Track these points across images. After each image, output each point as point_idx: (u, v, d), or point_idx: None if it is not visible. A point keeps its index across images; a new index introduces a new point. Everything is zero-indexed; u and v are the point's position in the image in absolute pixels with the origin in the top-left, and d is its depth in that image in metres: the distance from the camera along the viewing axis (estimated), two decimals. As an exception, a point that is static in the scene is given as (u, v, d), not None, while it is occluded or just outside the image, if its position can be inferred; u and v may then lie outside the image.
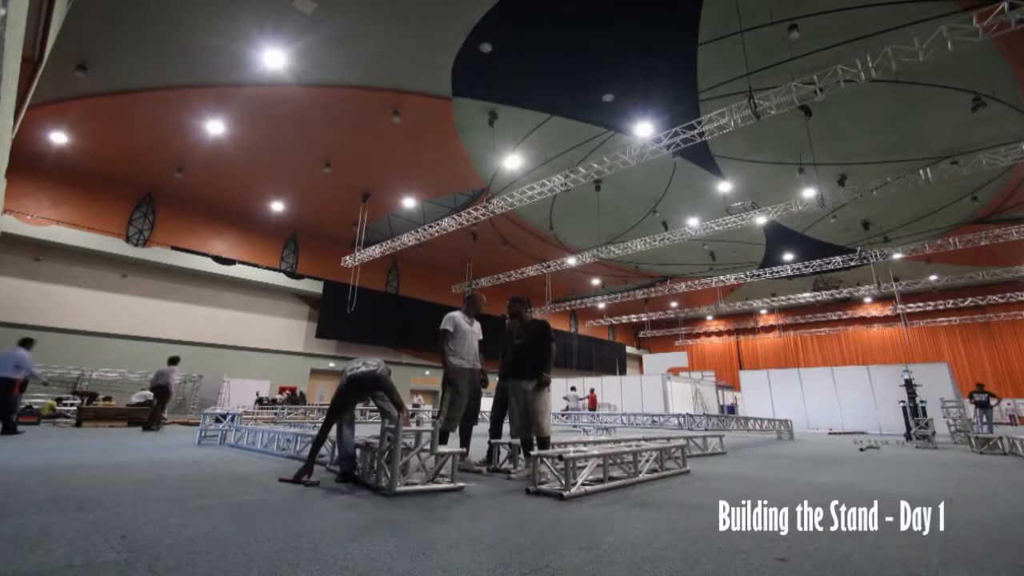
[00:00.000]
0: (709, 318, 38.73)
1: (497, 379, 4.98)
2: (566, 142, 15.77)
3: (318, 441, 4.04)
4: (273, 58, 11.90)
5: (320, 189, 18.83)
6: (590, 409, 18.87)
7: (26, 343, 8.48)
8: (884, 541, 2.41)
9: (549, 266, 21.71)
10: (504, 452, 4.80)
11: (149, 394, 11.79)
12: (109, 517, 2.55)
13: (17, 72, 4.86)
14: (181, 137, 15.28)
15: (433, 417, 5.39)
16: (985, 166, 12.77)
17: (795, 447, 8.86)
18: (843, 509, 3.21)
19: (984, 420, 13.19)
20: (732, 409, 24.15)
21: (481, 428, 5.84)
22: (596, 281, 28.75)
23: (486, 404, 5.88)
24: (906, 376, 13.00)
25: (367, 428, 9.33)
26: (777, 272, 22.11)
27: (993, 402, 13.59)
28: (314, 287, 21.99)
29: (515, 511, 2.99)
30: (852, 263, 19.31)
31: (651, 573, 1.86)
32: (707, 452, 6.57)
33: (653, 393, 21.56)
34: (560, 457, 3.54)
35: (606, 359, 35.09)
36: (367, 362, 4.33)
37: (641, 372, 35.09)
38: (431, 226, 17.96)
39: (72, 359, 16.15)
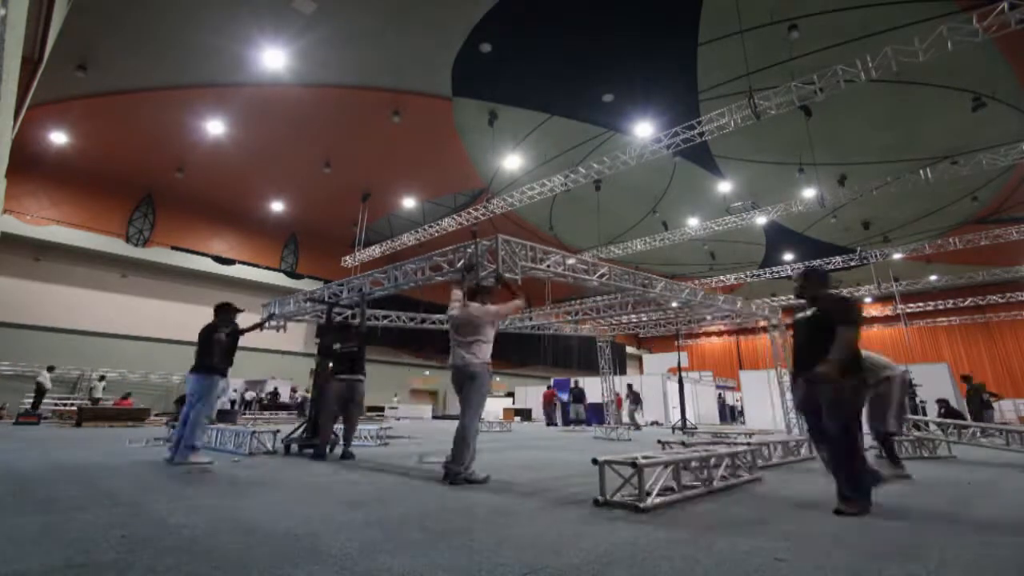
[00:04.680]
0: (709, 318, 38.66)
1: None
2: (566, 142, 15.78)
3: None
4: (273, 58, 11.91)
5: (320, 189, 18.84)
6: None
7: None
8: (884, 540, 2.41)
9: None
10: None
11: None
12: (109, 517, 2.55)
13: (17, 72, 4.86)
14: (181, 137, 15.29)
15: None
16: (985, 166, 12.77)
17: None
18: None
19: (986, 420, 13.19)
20: (734, 411, 23.90)
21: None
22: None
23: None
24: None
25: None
26: (777, 272, 22.11)
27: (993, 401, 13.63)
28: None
29: (510, 511, 2.99)
30: (852, 263, 19.31)
31: (651, 573, 1.86)
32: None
33: (653, 393, 21.58)
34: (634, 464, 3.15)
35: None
36: None
37: (641, 372, 35.08)
38: (431, 226, 17.96)
39: (72, 359, 16.16)
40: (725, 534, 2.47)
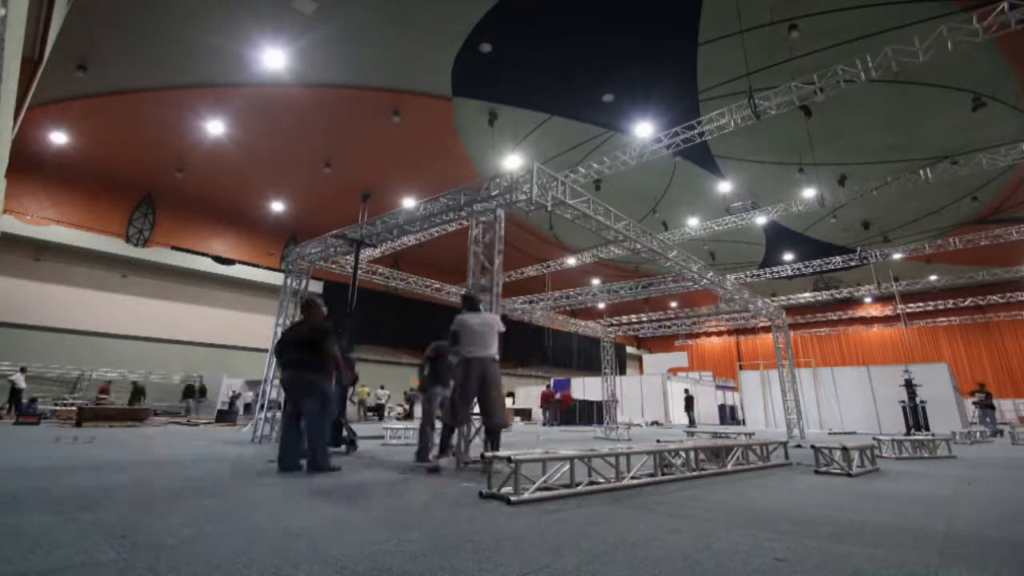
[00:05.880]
0: (709, 318, 38.71)
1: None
2: (566, 142, 15.78)
3: None
4: (273, 58, 11.90)
5: (320, 189, 18.84)
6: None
7: None
8: (884, 540, 2.41)
9: (549, 266, 21.70)
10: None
11: None
12: (109, 517, 2.55)
13: (17, 72, 4.86)
14: (181, 137, 15.29)
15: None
16: (985, 166, 12.76)
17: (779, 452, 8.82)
18: (844, 508, 3.21)
19: (988, 420, 13.27)
20: (734, 412, 23.87)
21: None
22: (596, 281, 28.75)
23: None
24: (906, 376, 13.01)
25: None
26: (777, 272, 22.09)
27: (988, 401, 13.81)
28: (314, 287, 22.02)
29: (508, 513, 2.99)
30: (852, 263, 19.30)
31: (651, 573, 1.86)
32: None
33: (653, 393, 21.59)
34: (509, 459, 3.32)
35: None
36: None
37: (641, 372, 35.09)
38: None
39: (72, 359, 16.15)
40: (726, 532, 2.47)
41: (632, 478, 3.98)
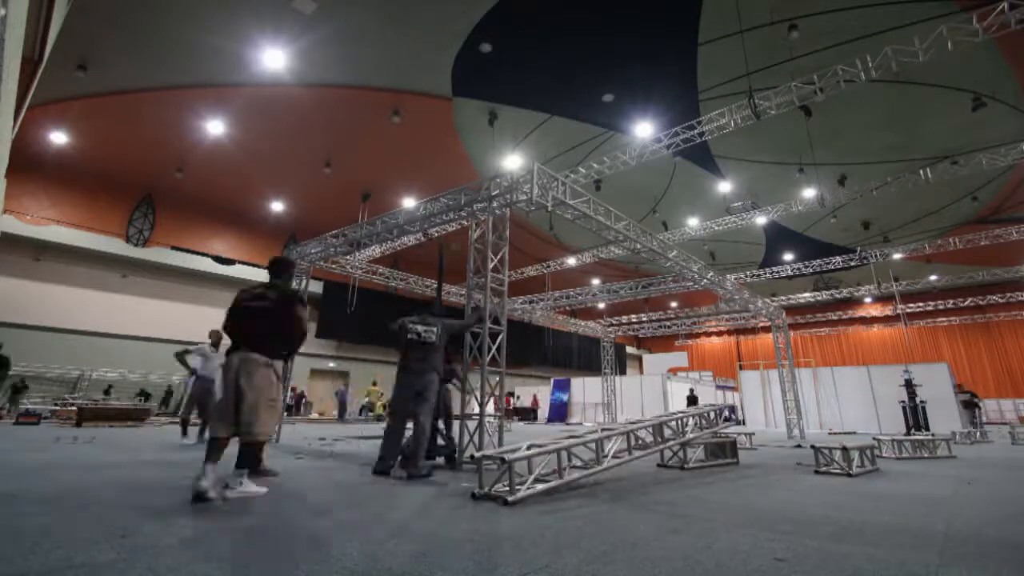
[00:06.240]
0: (709, 318, 38.69)
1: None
2: (566, 142, 15.78)
3: None
4: (273, 58, 11.90)
5: (320, 189, 18.84)
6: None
7: None
8: (884, 540, 2.41)
9: (549, 266, 21.69)
10: None
11: None
12: (109, 517, 2.55)
13: (17, 72, 4.86)
14: (181, 137, 15.29)
15: None
16: (985, 166, 12.75)
17: (779, 452, 8.83)
18: (844, 508, 3.21)
19: (974, 420, 13.34)
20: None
21: None
22: (596, 281, 28.75)
23: None
24: (906, 376, 13.02)
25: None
26: (777, 272, 22.07)
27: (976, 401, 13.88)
28: (314, 287, 21.99)
29: (506, 513, 2.99)
30: (852, 263, 19.29)
31: (651, 573, 1.86)
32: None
33: (653, 393, 21.58)
34: (503, 459, 3.34)
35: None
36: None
37: (641, 372, 35.10)
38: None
39: (72, 359, 16.15)
40: (726, 532, 2.47)
41: (614, 457, 4.36)
